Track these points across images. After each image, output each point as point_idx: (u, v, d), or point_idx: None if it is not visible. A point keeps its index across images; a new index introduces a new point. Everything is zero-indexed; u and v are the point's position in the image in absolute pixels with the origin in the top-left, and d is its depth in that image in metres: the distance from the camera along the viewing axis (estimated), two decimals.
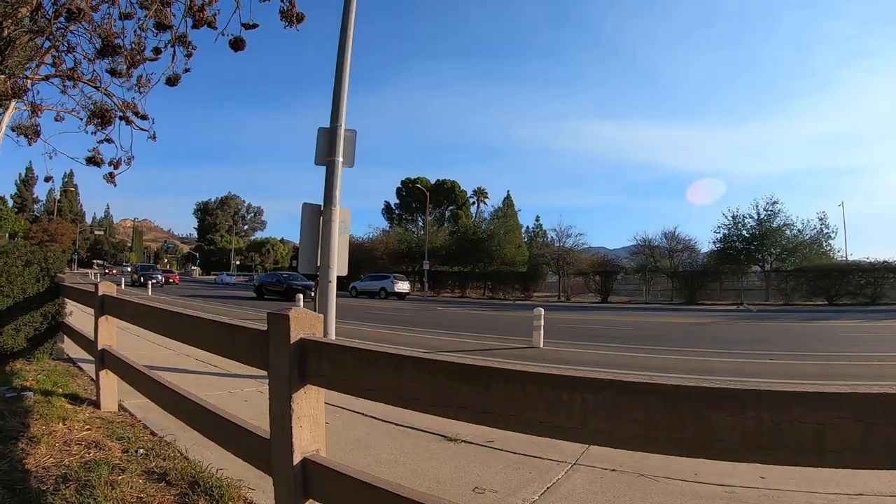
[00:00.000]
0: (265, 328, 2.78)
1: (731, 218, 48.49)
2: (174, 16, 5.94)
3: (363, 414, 6.13)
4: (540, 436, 1.79)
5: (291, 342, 2.55)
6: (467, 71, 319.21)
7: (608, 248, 69.04)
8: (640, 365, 11.33)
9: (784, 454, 1.43)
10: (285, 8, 5.71)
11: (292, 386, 2.55)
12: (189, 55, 6.20)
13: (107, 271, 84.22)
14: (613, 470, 4.46)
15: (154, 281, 49.93)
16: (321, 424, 2.69)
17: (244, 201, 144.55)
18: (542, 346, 13.63)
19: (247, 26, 5.80)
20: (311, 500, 2.59)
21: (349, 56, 8.02)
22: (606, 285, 48.83)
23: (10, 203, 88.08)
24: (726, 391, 1.48)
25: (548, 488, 4.18)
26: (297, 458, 2.56)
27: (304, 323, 2.62)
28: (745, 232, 47.60)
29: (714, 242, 49.90)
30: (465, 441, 5.25)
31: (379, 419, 5.98)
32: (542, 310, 14.24)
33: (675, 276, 47.55)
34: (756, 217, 47.13)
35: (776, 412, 1.42)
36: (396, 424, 5.80)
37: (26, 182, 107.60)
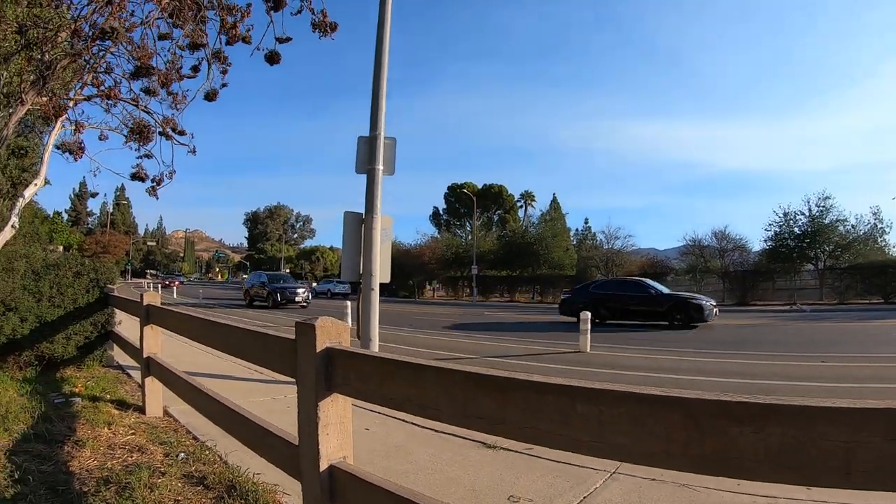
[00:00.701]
0: (294, 337, 2.83)
1: (782, 215, 46.64)
2: (207, 35, 6.06)
3: (404, 420, 6.13)
4: (557, 449, 1.77)
5: (318, 351, 2.59)
6: (510, 74, 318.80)
7: (658, 248, 67.73)
8: (688, 369, 11.12)
9: (809, 474, 1.36)
10: (317, 20, 5.78)
11: (319, 394, 2.59)
12: (224, 72, 6.34)
13: (168, 283, 77.98)
14: (654, 479, 4.37)
15: (298, 299, 34.35)
16: (348, 432, 2.72)
17: (293, 210, 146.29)
18: (588, 350, 13.49)
19: (280, 40, 5.90)
20: None
21: (386, 65, 8.10)
22: None
23: (65, 217, 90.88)
24: (747, 405, 1.42)
25: (584, 498, 4.12)
26: (323, 465, 2.59)
27: (331, 332, 2.65)
28: (796, 229, 45.67)
29: (765, 241, 48.01)
30: (504, 448, 5.21)
31: (419, 426, 5.97)
32: (588, 314, 14.12)
33: (726, 277, 46.18)
34: (808, 213, 45.19)
35: (800, 429, 1.35)
36: (436, 431, 5.79)
37: (80, 196, 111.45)
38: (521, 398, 1.82)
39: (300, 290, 35.53)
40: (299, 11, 5.78)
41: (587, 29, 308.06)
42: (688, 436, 1.49)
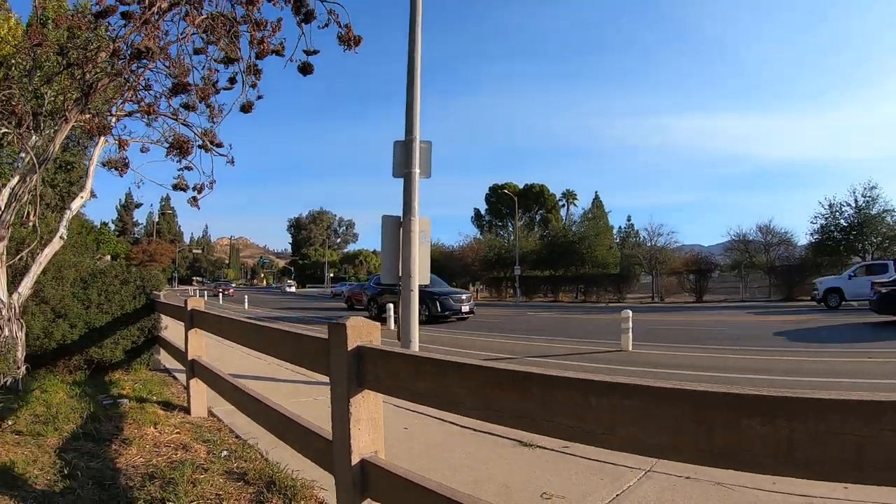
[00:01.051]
0: (327, 336, 2.94)
1: (827, 207, 44.97)
2: (241, 49, 6.24)
3: (442, 420, 6.23)
4: (573, 441, 1.82)
5: (349, 349, 2.70)
6: (549, 72, 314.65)
7: (702, 245, 65.97)
8: (731, 367, 10.95)
9: (820, 469, 1.34)
10: (342, 33, 5.92)
11: (350, 391, 2.70)
12: (254, 85, 6.51)
13: (220, 290, 69.20)
14: (688, 477, 4.37)
15: (465, 309, 24.45)
16: (380, 428, 2.82)
17: (335, 215, 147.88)
18: (630, 349, 13.40)
19: (308, 52, 6.05)
20: (368, 499, 2.72)
21: (419, 69, 8.21)
22: (701, 284, 46.82)
23: (112, 227, 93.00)
24: (756, 398, 1.42)
25: (617, 495, 4.15)
26: (355, 459, 2.70)
27: (362, 331, 2.76)
28: (843, 221, 43.96)
29: (811, 234, 46.30)
30: (540, 446, 5.26)
31: (458, 425, 6.05)
32: (630, 312, 14.02)
33: (771, 272, 44.93)
34: (854, 204, 43.41)
35: (811, 422, 1.33)
36: (473, 430, 5.86)
37: (126, 207, 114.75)
38: (538, 392, 1.87)
39: (465, 298, 24.89)
40: (326, 25, 5.92)
41: (629, 22, 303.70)
42: (697, 429, 1.50)
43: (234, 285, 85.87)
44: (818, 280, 31.99)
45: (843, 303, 28.68)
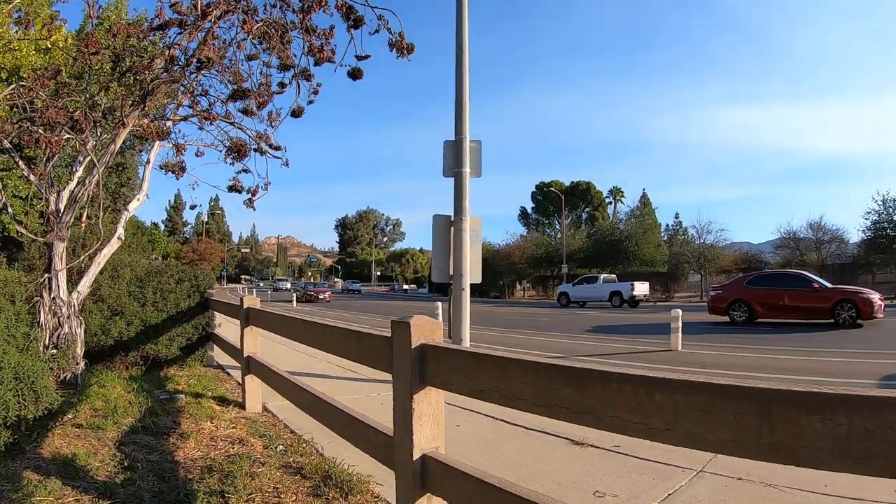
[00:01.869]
0: (389, 334, 3.01)
1: (880, 202, 43.55)
2: (294, 55, 6.34)
3: (494, 417, 6.29)
4: (634, 437, 1.85)
5: (412, 347, 2.78)
6: (593, 67, 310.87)
7: (752, 242, 65.01)
8: (781, 367, 10.82)
9: (877, 465, 1.35)
10: (394, 40, 5.97)
11: (413, 387, 2.78)
12: (315, 91, 6.65)
13: (314, 294, 53.12)
14: (740, 479, 4.35)
15: None
16: (440, 423, 2.89)
17: (383, 214, 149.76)
18: (680, 348, 13.29)
19: (360, 58, 6.12)
20: (428, 494, 2.80)
21: (467, 69, 8.24)
22: None
23: (162, 227, 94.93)
24: (816, 395, 1.45)
25: (669, 495, 4.15)
26: (416, 454, 2.77)
27: (425, 329, 2.84)
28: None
29: (863, 230, 45.12)
30: (591, 445, 5.27)
31: (509, 423, 6.10)
32: (680, 311, 13.86)
33: (823, 270, 43.05)
34: None
35: (869, 419, 1.35)
36: (525, 428, 5.91)
37: (176, 208, 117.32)
38: (601, 388, 1.92)
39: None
40: (377, 31, 5.99)
41: (677, 13, 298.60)
42: (759, 424, 1.53)
43: (328, 286, 64.50)
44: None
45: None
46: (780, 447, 1.50)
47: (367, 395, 7.48)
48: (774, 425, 1.51)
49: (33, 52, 9.28)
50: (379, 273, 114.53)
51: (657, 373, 1.81)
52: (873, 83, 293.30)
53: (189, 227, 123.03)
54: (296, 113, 6.69)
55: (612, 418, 1.88)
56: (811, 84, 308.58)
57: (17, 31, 8.61)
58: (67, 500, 3.73)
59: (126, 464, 4.46)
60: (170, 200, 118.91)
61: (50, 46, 9.08)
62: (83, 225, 8.16)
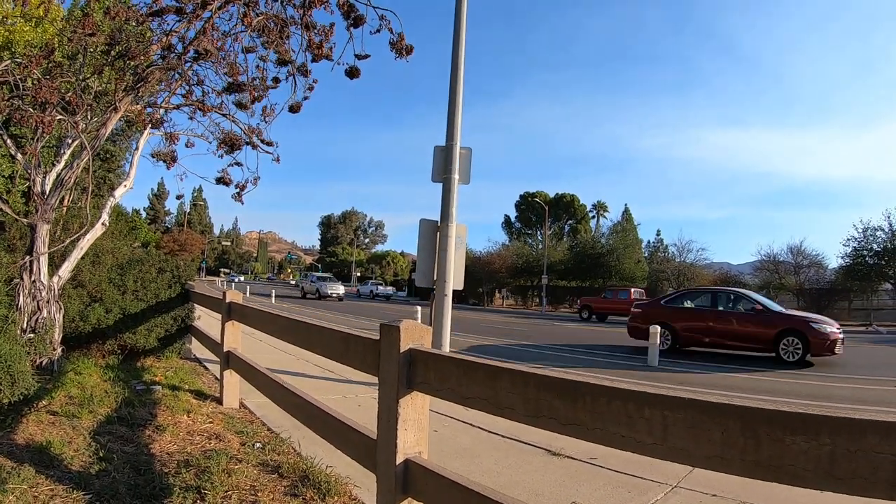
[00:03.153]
0: (377, 337, 3.01)
1: (861, 230, 43.92)
2: (292, 51, 6.33)
3: (471, 424, 6.30)
4: (622, 450, 1.88)
5: (401, 351, 2.79)
6: (585, 82, 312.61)
7: (731, 263, 65.19)
8: (756, 388, 10.86)
9: (858, 485, 1.41)
10: (394, 40, 5.98)
11: (399, 392, 2.78)
12: (311, 88, 6.62)
13: (325, 292, 49.00)
14: (714, 495, 4.38)
15: None
16: (425, 429, 2.91)
17: (366, 215, 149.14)
18: (656, 364, 13.41)
19: (359, 57, 6.12)
20: (409, 498, 2.80)
21: (461, 77, 8.26)
22: None
23: (144, 215, 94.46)
24: (800, 416, 1.50)
25: None
26: (399, 458, 2.78)
27: (414, 334, 2.85)
28: (875, 245, 42.90)
29: (842, 257, 45.27)
30: (568, 456, 5.30)
31: (486, 430, 6.12)
32: (659, 328, 13.98)
33: (801, 294, 44.32)
34: (888, 229, 42.19)
35: (851, 441, 1.41)
36: (502, 436, 5.92)
37: (158, 196, 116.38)
38: (591, 401, 1.95)
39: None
40: (378, 31, 6.00)
41: (667, 35, 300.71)
42: (744, 442, 1.59)
43: (341, 287, 53.06)
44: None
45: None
46: (765, 465, 1.55)
47: (345, 396, 7.45)
48: (760, 443, 1.56)
49: (27, 27, 9.18)
50: (359, 274, 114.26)
51: (639, 388, 1.83)
52: (857, 114, 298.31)
53: (171, 216, 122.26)
54: (293, 108, 6.67)
55: (602, 431, 1.91)
56: (797, 111, 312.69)
57: (13, 8, 8.52)
58: (41, 488, 3.67)
59: (101, 454, 4.39)
60: (153, 188, 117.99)
61: (42, 17, 8.99)
62: (64, 208, 8.07)
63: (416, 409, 2.83)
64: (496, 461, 5.20)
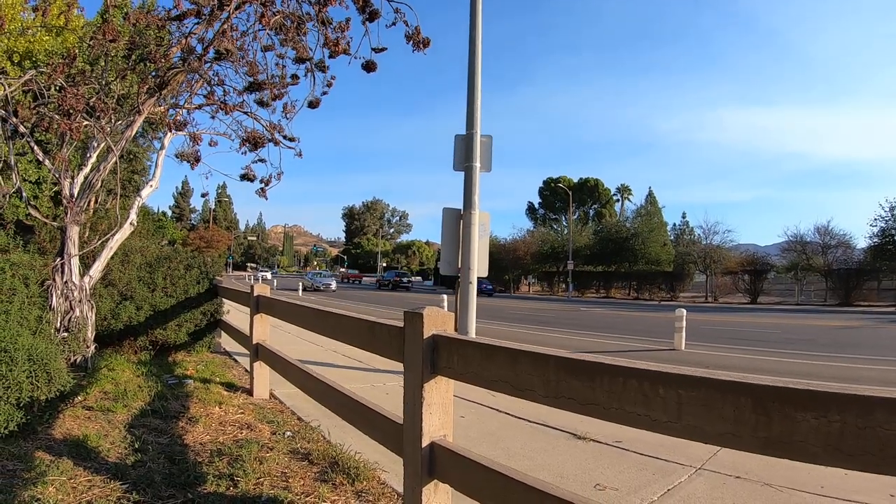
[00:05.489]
0: (402, 324, 3.08)
1: (888, 209, 42.86)
2: (309, 49, 6.40)
3: (497, 410, 6.38)
4: (639, 428, 1.91)
5: (424, 337, 2.86)
6: (606, 64, 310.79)
7: (758, 245, 64.08)
8: (785, 371, 10.81)
9: (868, 461, 1.41)
10: (410, 33, 6.02)
11: (424, 377, 2.86)
12: (329, 84, 6.69)
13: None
14: (738, 477, 4.42)
15: None
16: (449, 412, 2.98)
17: (389, 205, 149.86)
18: (683, 348, 13.36)
19: (376, 50, 6.16)
20: (435, 480, 2.88)
21: (479, 65, 8.25)
22: (756, 285, 45.90)
23: (169, 214, 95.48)
24: (810, 392, 1.52)
25: (668, 490, 4.21)
26: (425, 442, 2.86)
27: (437, 320, 2.92)
28: None
29: (870, 237, 44.29)
30: (593, 440, 5.35)
31: (512, 415, 6.19)
32: (685, 311, 13.94)
33: (828, 275, 43.54)
34: None
35: (861, 417, 1.42)
36: (528, 421, 5.99)
37: (183, 194, 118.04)
38: (608, 381, 1.99)
39: None
40: (394, 24, 6.04)
41: (692, 13, 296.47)
42: (755, 419, 1.61)
43: (332, 281, 56.02)
44: None
45: None
46: (776, 441, 1.58)
47: (373, 384, 7.55)
48: (771, 420, 1.58)
49: (46, 37, 9.34)
50: (385, 264, 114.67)
51: (653, 367, 1.88)
52: (886, 90, 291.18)
53: (196, 213, 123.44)
54: (312, 104, 6.75)
55: (618, 410, 1.95)
56: (823, 89, 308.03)
57: (33, 18, 8.67)
58: (79, 479, 3.79)
59: (136, 446, 4.53)
60: (177, 187, 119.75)
61: (63, 26, 9.13)
62: (90, 210, 8.22)
63: (441, 393, 2.90)
64: (522, 444, 5.27)
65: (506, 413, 6.25)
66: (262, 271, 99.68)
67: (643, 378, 1.88)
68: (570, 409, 2.13)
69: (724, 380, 1.70)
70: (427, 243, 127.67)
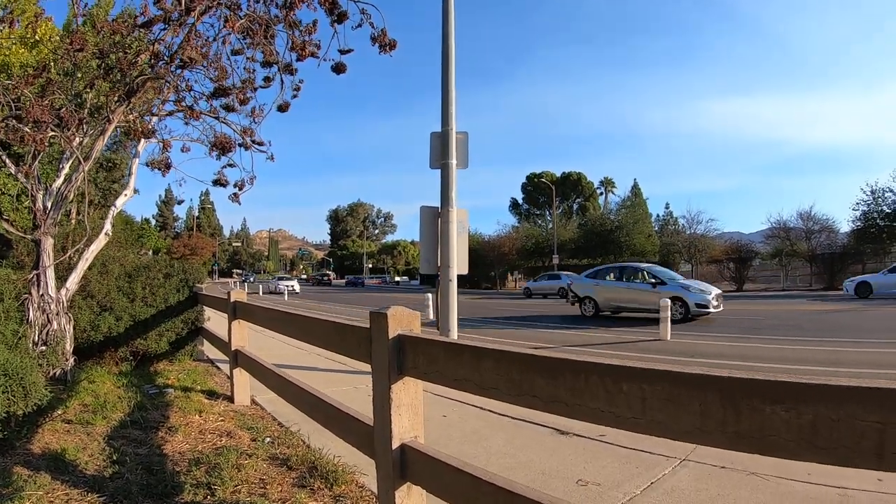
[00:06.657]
0: (368, 325, 3.05)
1: (869, 193, 43.43)
2: (278, 53, 6.36)
3: (481, 408, 6.33)
4: (604, 425, 1.87)
5: (390, 338, 2.81)
6: (587, 58, 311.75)
7: (743, 232, 64.03)
8: (772, 357, 10.81)
9: (842, 454, 1.37)
10: (376, 35, 6.00)
11: (391, 377, 2.81)
12: (297, 88, 6.64)
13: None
14: (723, 467, 4.40)
15: None
16: (419, 413, 2.93)
17: (374, 206, 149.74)
18: (668, 338, 13.39)
19: (342, 52, 6.12)
20: (408, 483, 2.84)
21: (453, 59, 8.25)
22: (741, 272, 46.26)
23: (153, 222, 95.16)
24: (777, 384, 1.46)
25: (651, 483, 4.19)
26: (395, 444, 2.81)
27: (402, 320, 2.87)
28: (885, 207, 42.36)
29: (853, 221, 44.71)
30: (577, 435, 5.32)
31: (496, 413, 6.15)
32: (669, 301, 14.05)
33: (813, 260, 44.09)
34: None
35: (833, 409, 1.37)
36: (512, 418, 5.94)
37: (166, 203, 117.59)
38: (571, 378, 1.94)
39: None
40: (359, 26, 5.99)
41: (666, 4, 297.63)
42: (724, 413, 1.56)
43: (295, 283, 58.05)
44: None
45: None
46: (746, 436, 1.52)
47: (356, 386, 7.49)
48: (739, 415, 1.53)
49: (22, 49, 9.26)
50: (370, 265, 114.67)
51: (636, 361, 1.86)
52: (863, 75, 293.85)
53: (180, 221, 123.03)
54: (282, 108, 6.70)
55: (581, 407, 1.91)
56: (802, 75, 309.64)
57: (1, 29, 8.59)
58: (57, 494, 3.76)
59: (115, 458, 4.49)
60: (160, 195, 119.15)
61: (38, 39, 9.06)
62: (73, 221, 8.17)
63: (410, 394, 2.86)
64: (505, 443, 5.23)
65: (489, 411, 6.20)
66: (249, 277, 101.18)
67: (605, 374, 1.83)
68: (536, 407, 2.09)
69: (687, 373, 1.65)
70: (412, 243, 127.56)
